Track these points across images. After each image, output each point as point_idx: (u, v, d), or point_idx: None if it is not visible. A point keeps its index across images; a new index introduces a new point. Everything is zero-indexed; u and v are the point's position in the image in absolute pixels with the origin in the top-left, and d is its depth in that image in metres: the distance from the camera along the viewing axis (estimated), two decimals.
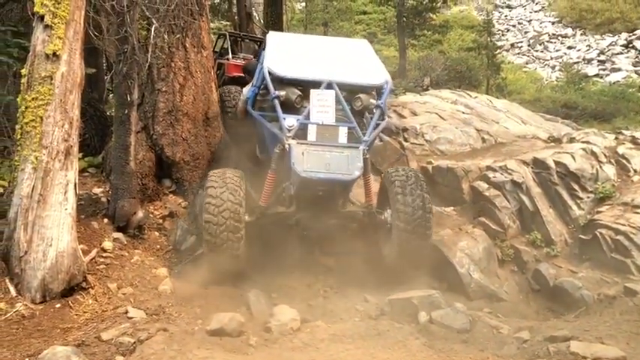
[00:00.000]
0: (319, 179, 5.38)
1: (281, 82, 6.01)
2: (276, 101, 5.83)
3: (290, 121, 5.66)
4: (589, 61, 27.11)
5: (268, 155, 6.16)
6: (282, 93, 5.90)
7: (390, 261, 6.03)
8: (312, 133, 5.64)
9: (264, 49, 7.10)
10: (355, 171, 5.42)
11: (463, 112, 9.99)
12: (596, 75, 25.34)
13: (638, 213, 6.50)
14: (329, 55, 6.71)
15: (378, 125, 6.03)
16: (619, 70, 25.29)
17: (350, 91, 6.09)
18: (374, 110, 6.02)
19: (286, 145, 5.53)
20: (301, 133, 5.66)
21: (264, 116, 6.14)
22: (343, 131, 5.68)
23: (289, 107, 5.89)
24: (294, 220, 6.07)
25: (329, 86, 5.86)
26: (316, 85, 5.88)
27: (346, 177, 5.41)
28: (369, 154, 5.84)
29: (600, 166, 7.32)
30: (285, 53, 6.59)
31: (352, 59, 6.70)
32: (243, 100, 6.75)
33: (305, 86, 5.96)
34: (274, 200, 6.11)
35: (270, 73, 6.00)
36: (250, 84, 6.87)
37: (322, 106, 5.75)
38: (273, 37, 7.16)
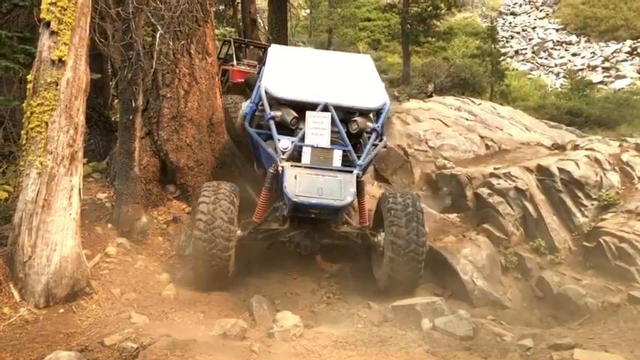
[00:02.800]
0: (310, 204, 5.38)
1: (278, 102, 6.01)
2: (272, 122, 5.83)
3: (284, 143, 5.68)
4: (593, 68, 27.09)
5: (264, 171, 6.14)
6: (278, 113, 5.91)
7: (380, 285, 6.03)
8: (306, 156, 5.64)
9: (264, 64, 7.09)
10: (347, 197, 5.40)
11: (467, 119, 10.00)
12: (601, 82, 25.31)
13: None
14: (328, 75, 6.68)
15: (375, 147, 6.02)
16: (624, 77, 25.26)
17: (347, 114, 6.08)
18: (371, 133, 6.01)
19: (279, 168, 5.52)
20: (296, 155, 5.66)
21: (260, 134, 6.12)
22: (338, 154, 5.67)
23: (285, 128, 5.90)
24: (287, 237, 6.02)
25: (325, 109, 5.86)
26: (312, 107, 5.88)
27: (338, 203, 5.38)
28: (363, 177, 5.83)
29: (604, 174, 7.31)
30: (284, 71, 6.58)
31: (351, 79, 6.68)
32: (242, 115, 6.74)
33: (301, 107, 5.94)
34: (269, 217, 6.10)
35: (266, 93, 6.01)
36: (249, 99, 6.86)
37: (317, 129, 5.75)
38: (273, 52, 7.15)
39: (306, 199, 5.33)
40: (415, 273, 5.79)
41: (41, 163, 4.71)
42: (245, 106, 6.79)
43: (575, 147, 8.39)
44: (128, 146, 6.64)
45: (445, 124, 9.55)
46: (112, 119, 9.73)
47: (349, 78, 6.71)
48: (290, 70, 6.67)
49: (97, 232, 6.35)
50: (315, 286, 6.22)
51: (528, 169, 7.45)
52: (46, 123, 4.75)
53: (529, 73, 28.04)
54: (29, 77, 4.89)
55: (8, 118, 7.12)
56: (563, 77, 26.47)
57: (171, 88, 7.14)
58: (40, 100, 4.76)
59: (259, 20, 17.69)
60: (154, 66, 6.52)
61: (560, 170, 7.23)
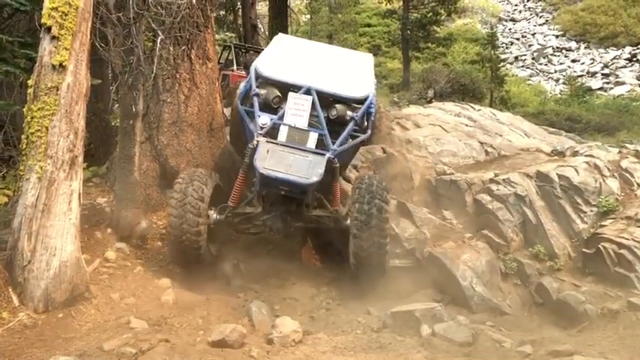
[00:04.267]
0: (276, 178, 5.53)
1: (266, 81, 6.19)
2: (255, 98, 6.02)
3: (264, 119, 5.86)
4: (593, 75, 27.19)
5: None
6: (263, 92, 6.09)
7: (352, 268, 6.07)
8: (282, 134, 5.83)
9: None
10: (313, 176, 5.52)
11: (467, 125, 10.02)
12: (600, 88, 25.41)
13: None
14: (320, 63, 6.81)
15: (355, 137, 6.16)
16: (623, 83, 25.36)
17: (331, 100, 6.18)
18: (350, 122, 6.09)
19: (254, 142, 5.69)
20: (275, 133, 5.84)
21: (248, 113, 6.23)
22: (313, 137, 5.83)
23: (268, 107, 6.08)
24: (262, 220, 6.15)
25: (308, 92, 6.01)
26: (296, 89, 6.05)
27: (303, 180, 5.52)
28: (339, 162, 5.92)
29: (604, 180, 7.31)
30: (280, 55, 6.77)
31: (344, 70, 6.79)
32: (238, 94, 6.85)
33: (286, 88, 6.11)
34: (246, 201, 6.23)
35: (255, 71, 6.21)
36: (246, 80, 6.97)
37: (297, 110, 5.93)
38: (278, 39, 7.33)
39: (273, 172, 5.50)
40: (378, 249, 5.81)
41: (41, 168, 4.71)
42: (241, 86, 6.89)
43: (575, 153, 8.39)
44: (128, 151, 6.65)
45: (445, 130, 9.56)
46: (113, 124, 9.75)
47: (341, 69, 6.81)
48: (285, 55, 6.85)
49: (97, 237, 6.35)
50: (315, 291, 6.22)
51: (528, 176, 7.44)
52: (47, 128, 4.75)
53: (529, 79, 28.16)
54: (30, 82, 4.90)
55: (9, 123, 7.13)
56: (563, 83, 26.57)
57: (172, 93, 7.14)
58: (41, 104, 4.77)
59: (260, 26, 17.75)
60: (154, 71, 6.53)
61: (560, 176, 7.23)
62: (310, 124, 5.91)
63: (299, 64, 6.64)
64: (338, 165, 5.87)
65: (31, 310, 4.65)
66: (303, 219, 6.19)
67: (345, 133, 5.95)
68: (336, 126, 6.04)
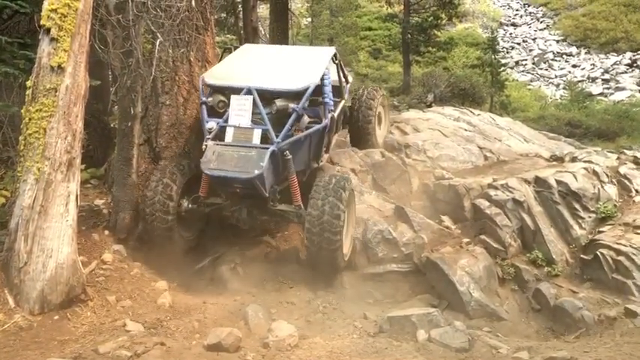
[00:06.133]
0: (219, 176, 5.83)
1: (213, 89, 6.56)
2: (203, 106, 6.39)
3: (210, 124, 6.21)
4: (593, 80, 27.21)
5: None
6: (210, 99, 6.46)
7: (307, 263, 6.31)
8: (229, 135, 6.12)
9: None
10: (255, 170, 5.72)
11: (466, 130, 10.02)
12: (601, 94, 25.42)
13: (639, 234, 6.48)
14: (271, 64, 7.15)
15: (307, 129, 6.39)
16: (623, 89, 25.38)
17: (275, 97, 6.36)
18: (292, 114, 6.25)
19: (203, 146, 5.98)
20: (223, 135, 6.14)
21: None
22: (257, 133, 6.08)
23: (216, 112, 6.42)
24: (230, 212, 6.44)
25: (248, 92, 6.23)
26: (238, 91, 6.30)
27: (244, 175, 5.74)
28: (293, 155, 6.13)
29: (602, 186, 7.32)
30: (230, 62, 7.18)
31: (291, 66, 7.06)
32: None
33: (229, 93, 6.39)
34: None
35: (202, 81, 6.59)
36: None
37: (240, 110, 6.19)
38: (242, 48, 7.85)
39: (216, 171, 5.81)
40: (328, 244, 5.92)
41: (39, 169, 4.71)
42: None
43: (574, 159, 8.40)
44: (126, 153, 6.65)
45: (444, 135, 9.56)
46: (111, 126, 9.75)
47: (287, 66, 7.09)
48: (234, 62, 7.24)
49: (94, 239, 6.35)
50: (311, 295, 6.20)
51: (526, 181, 7.44)
52: (45, 129, 4.76)
53: (529, 84, 28.17)
54: (28, 83, 4.90)
55: (7, 124, 7.12)
56: (563, 88, 26.59)
57: (171, 96, 7.13)
58: (39, 106, 4.77)
59: (260, 28, 17.73)
60: (153, 73, 6.54)
61: (558, 182, 7.23)
62: (255, 122, 6.14)
63: (244, 68, 6.98)
64: (290, 157, 6.07)
65: (27, 311, 4.65)
66: (269, 212, 6.40)
67: (287, 126, 6.10)
68: (285, 119, 6.22)
